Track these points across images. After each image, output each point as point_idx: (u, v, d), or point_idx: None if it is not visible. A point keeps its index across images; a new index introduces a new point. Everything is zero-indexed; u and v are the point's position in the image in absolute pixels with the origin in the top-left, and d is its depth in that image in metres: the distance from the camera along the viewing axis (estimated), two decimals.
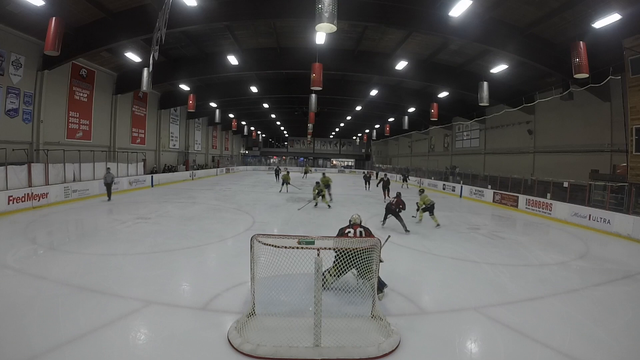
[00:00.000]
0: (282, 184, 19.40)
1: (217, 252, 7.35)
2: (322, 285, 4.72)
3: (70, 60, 14.96)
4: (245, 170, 45.63)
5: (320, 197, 13.72)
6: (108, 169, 14.31)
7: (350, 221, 5.52)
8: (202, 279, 5.70)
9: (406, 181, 25.40)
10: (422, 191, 11.64)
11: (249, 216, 11.36)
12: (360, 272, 4.37)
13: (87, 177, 15.32)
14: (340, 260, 4.29)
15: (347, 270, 4.55)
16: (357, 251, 4.11)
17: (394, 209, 9.67)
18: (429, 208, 10.66)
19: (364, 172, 27.71)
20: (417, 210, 11.14)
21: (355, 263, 4.19)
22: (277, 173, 28.68)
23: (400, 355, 3.50)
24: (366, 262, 4.12)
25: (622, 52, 11.08)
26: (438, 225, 10.46)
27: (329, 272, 4.62)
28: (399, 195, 10.32)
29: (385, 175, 17.48)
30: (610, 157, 14.63)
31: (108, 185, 13.81)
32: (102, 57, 16.76)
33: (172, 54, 16.93)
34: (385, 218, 10.10)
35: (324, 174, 18.99)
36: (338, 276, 4.64)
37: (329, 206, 13.61)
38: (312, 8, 6.62)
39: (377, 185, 17.48)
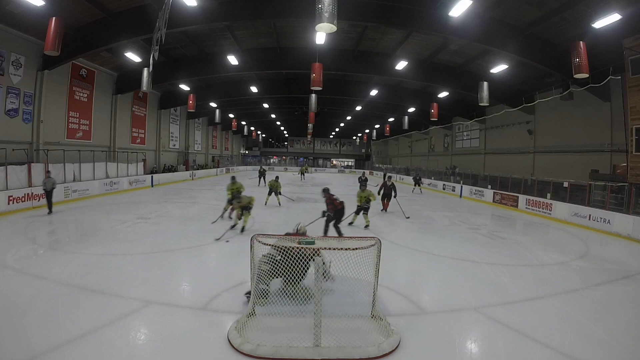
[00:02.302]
0: (269, 193, 13.72)
1: (217, 252, 7.34)
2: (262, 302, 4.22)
3: (70, 60, 14.96)
4: (245, 170, 45.61)
5: (244, 212, 8.63)
6: (48, 172, 11.29)
7: (297, 230, 5.31)
8: (202, 279, 5.70)
9: (419, 185, 22.30)
10: (364, 185, 10.41)
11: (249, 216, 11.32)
12: (288, 280, 3.99)
13: (87, 177, 15.32)
14: (273, 265, 3.99)
15: (277, 276, 4.13)
16: (299, 257, 3.75)
17: (335, 212, 8.11)
18: (364, 208, 9.71)
19: (363, 173, 23.17)
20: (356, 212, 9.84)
21: (284, 270, 3.83)
22: (261, 175, 22.95)
23: (400, 355, 3.49)
24: (301, 270, 3.89)
25: (622, 52, 11.08)
26: (367, 226, 9.68)
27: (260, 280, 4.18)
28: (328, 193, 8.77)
29: (390, 178, 12.86)
30: (610, 157, 14.62)
31: (48, 194, 10.65)
32: (102, 57, 16.76)
33: (172, 54, 16.92)
34: (328, 228, 8.23)
35: (233, 178, 11.95)
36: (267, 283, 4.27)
37: (242, 229, 8.60)
38: (312, 8, 6.62)
39: (379, 193, 12.35)
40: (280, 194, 13.82)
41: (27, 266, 5.87)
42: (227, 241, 7.82)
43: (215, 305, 4.55)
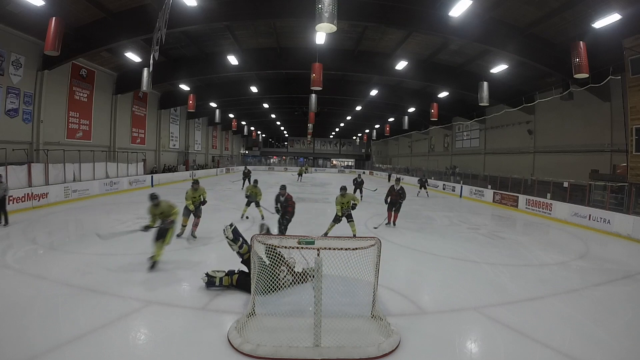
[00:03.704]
0: (247, 204, 10.76)
1: (217, 252, 7.34)
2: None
3: (70, 60, 14.97)
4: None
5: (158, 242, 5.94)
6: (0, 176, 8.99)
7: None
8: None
9: (425, 188, 20.18)
10: (344, 189, 8.59)
11: (249, 216, 11.32)
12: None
13: (87, 177, 15.32)
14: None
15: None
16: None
17: (292, 214, 7.96)
18: (347, 215, 8.41)
19: (359, 175, 18.63)
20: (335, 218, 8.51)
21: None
22: (246, 177, 20.39)
23: (400, 355, 3.49)
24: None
25: (622, 52, 11.08)
26: (354, 235, 8.11)
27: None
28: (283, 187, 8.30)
29: (398, 181, 10.58)
30: (610, 157, 14.64)
31: (1, 202, 8.74)
32: (102, 57, 16.76)
33: (172, 54, 16.93)
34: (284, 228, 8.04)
35: (195, 182, 9.49)
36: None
37: (151, 263, 5.82)
38: (312, 8, 6.63)
39: (386, 201, 10.05)
40: (259, 205, 10.62)
41: (27, 266, 5.87)
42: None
43: (215, 305, 4.55)
